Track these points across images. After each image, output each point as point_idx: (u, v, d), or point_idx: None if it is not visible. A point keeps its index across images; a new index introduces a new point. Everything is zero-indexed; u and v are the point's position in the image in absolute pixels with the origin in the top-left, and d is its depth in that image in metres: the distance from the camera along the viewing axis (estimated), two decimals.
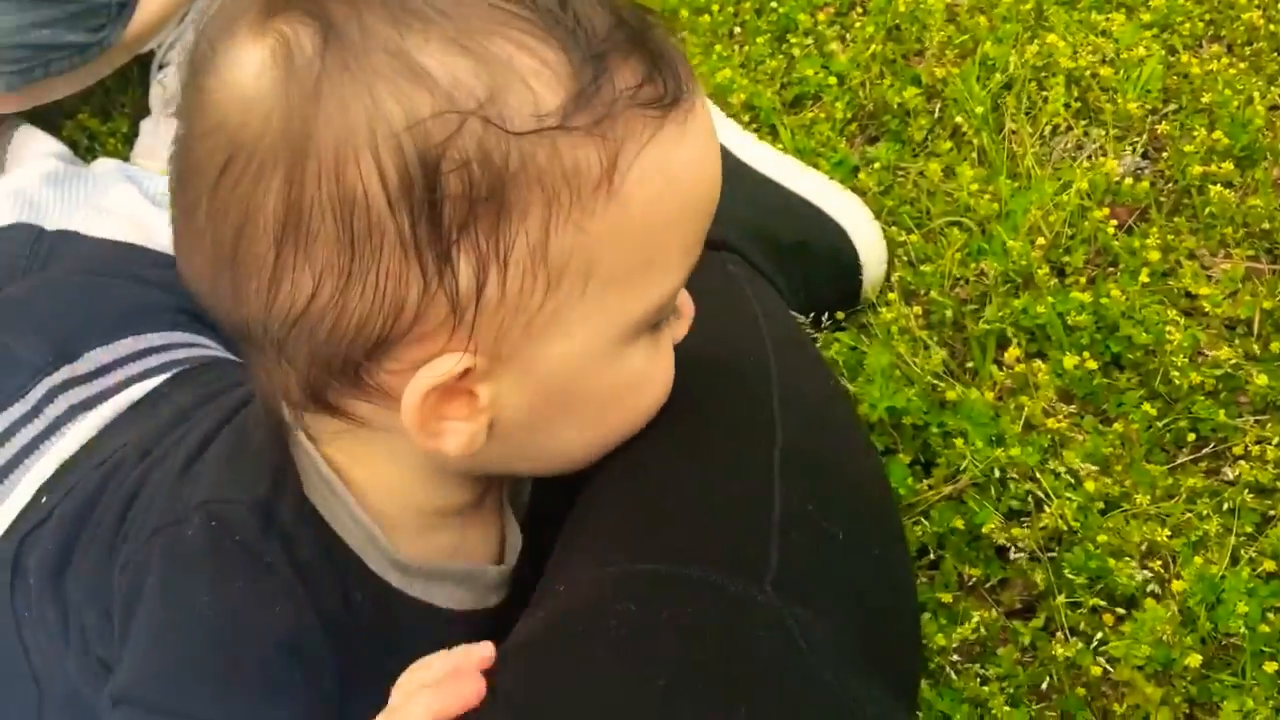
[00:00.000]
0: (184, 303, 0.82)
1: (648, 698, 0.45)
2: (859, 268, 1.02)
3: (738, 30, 1.30)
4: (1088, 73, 1.17)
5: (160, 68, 1.25)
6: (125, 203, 1.02)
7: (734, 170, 1.05)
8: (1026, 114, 1.16)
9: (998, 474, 0.84)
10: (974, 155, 1.13)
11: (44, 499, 0.70)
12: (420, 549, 0.60)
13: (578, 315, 0.51)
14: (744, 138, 1.09)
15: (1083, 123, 1.15)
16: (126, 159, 1.25)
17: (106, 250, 0.93)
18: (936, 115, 1.17)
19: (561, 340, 0.51)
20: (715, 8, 1.32)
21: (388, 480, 0.57)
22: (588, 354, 0.53)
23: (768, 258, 0.97)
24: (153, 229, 1.02)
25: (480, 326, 0.49)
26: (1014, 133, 1.13)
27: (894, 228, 1.07)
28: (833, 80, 1.20)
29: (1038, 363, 0.92)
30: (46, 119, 1.22)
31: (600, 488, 0.58)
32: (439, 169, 0.46)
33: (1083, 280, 1.00)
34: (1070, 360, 0.91)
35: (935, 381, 0.93)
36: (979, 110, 1.14)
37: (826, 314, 0.99)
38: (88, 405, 0.75)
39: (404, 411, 0.51)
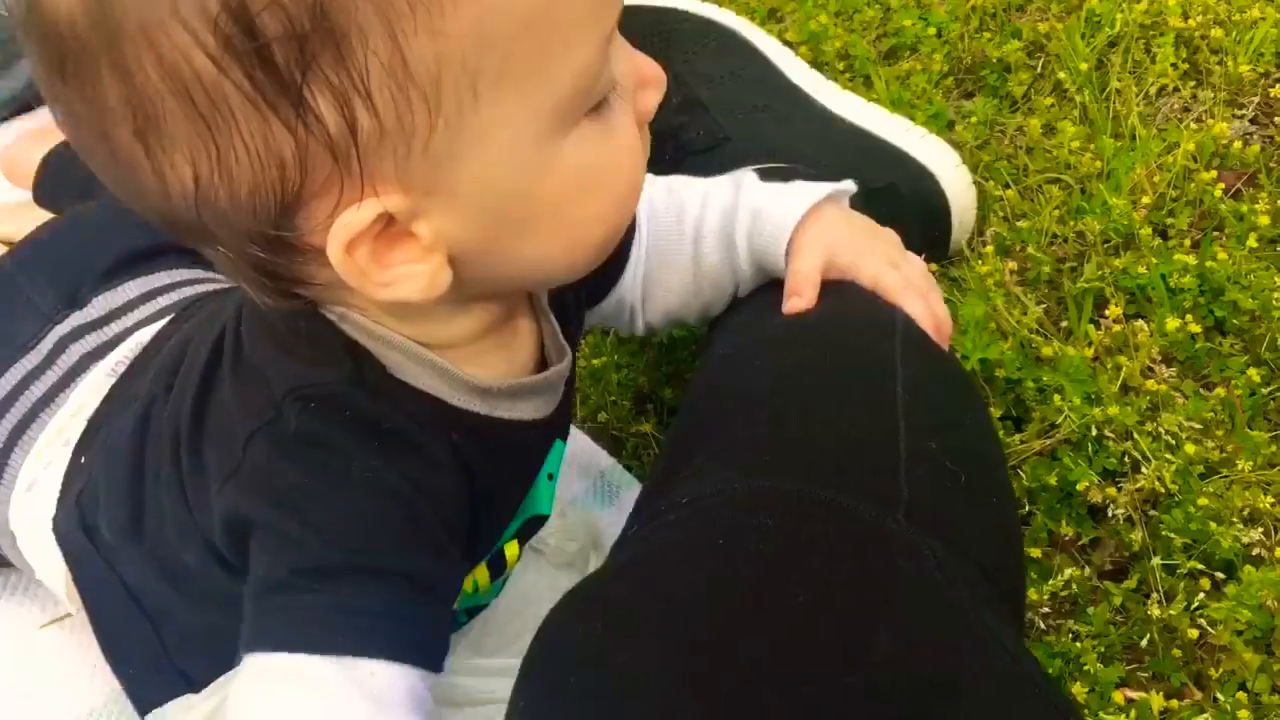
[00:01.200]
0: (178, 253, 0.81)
1: (789, 614, 0.44)
2: (948, 213, 1.00)
3: None
4: (1198, 34, 1.14)
5: None
6: None
7: (819, 118, 1.03)
8: (1132, 73, 1.12)
9: (1094, 432, 0.82)
10: (1076, 113, 1.09)
11: (83, 458, 0.69)
12: (484, 374, 0.59)
13: (480, 126, 0.47)
14: (827, 86, 1.06)
15: (1191, 84, 1.11)
16: None
17: None
18: (1038, 71, 1.14)
19: (474, 156, 0.48)
20: None
21: (416, 328, 0.55)
22: (512, 163, 0.49)
23: (855, 201, 0.95)
24: None
25: (373, 166, 0.46)
26: (1118, 92, 1.10)
27: (990, 183, 1.05)
28: (931, 31, 1.18)
29: (1138, 323, 0.89)
30: None
31: (717, 403, 0.57)
32: (248, 12, 0.43)
33: (1187, 243, 0.97)
34: (1173, 322, 0.88)
35: (1030, 337, 0.90)
36: (1083, 67, 1.11)
37: None
38: (99, 354, 0.73)
39: (338, 271, 0.48)
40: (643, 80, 0.54)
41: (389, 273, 0.49)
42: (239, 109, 0.44)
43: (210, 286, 0.79)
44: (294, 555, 0.52)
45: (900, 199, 0.98)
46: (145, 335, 0.73)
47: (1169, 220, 0.99)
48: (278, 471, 0.53)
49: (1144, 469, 0.80)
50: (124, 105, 0.45)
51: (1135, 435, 0.82)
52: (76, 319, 0.75)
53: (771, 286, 0.69)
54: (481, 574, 0.67)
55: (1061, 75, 1.12)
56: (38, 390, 0.73)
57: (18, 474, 0.71)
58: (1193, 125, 1.07)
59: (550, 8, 0.46)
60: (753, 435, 0.55)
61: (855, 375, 0.59)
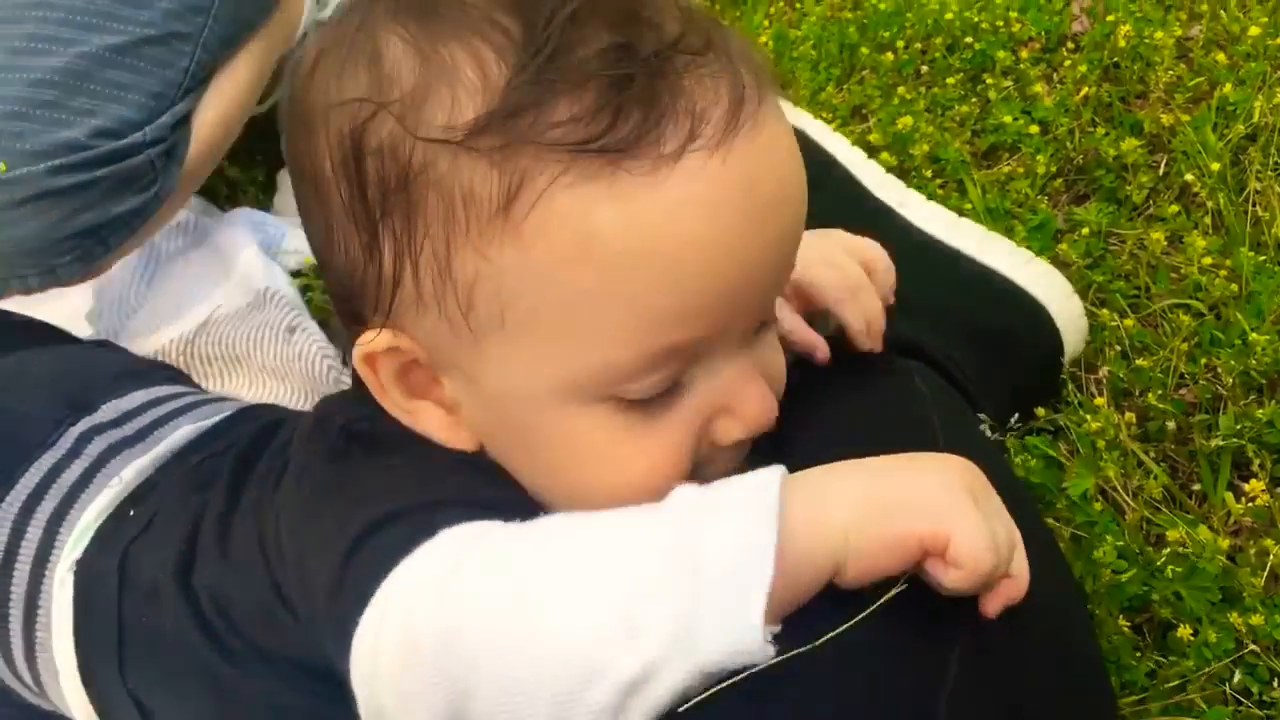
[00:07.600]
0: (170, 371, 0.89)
1: None
2: (1061, 351, 0.86)
3: (925, 69, 1.15)
4: None
5: None
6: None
7: (913, 246, 0.89)
8: (1274, 171, 0.96)
9: (1231, 645, 0.67)
10: (1207, 221, 0.94)
11: (132, 511, 0.69)
12: None
13: (503, 347, 0.51)
14: (912, 198, 0.93)
15: None
16: (267, 208, 1.20)
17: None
18: (1161, 171, 0.99)
19: (495, 366, 0.52)
20: (900, 44, 1.17)
21: None
22: (527, 393, 0.52)
23: (970, 354, 0.80)
24: (253, 278, 1.05)
25: (405, 317, 0.53)
26: (1258, 194, 0.94)
27: (1104, 309, 0.90)
28: (1034, 129, 1.04)
29: None
30: None
31: None
32: (361, 150, 0.51)
33: None
34: None
35: (1150, 515, 0.75)
36: (1215, 166, 0.95)
37: (1015, 416, 0.83)
38: (121, 447, 0.73)
39: (358, 369, 0.55)
40: (730, 410, 0.53)
41: (414, 402, 0.56)
42: (338, 212, 0.53)
43: (196, 397, 0.81)
44: (374, 512, 0.53)
45: (1017, 344, 0.85)
46: (166, 433, 0.75)
47: None
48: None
49: None
50: (295, 167, 0.56)
51: None
52: (88, 421, 0.75)
53: None
54: None
55: (1189, 176, 0.96)
56: (69, 477, 0.72)
57: (63, 552, 0.70)
58: None
59: (591, 296, 0.48)
60: None
61: (894, 652, 0.49)
